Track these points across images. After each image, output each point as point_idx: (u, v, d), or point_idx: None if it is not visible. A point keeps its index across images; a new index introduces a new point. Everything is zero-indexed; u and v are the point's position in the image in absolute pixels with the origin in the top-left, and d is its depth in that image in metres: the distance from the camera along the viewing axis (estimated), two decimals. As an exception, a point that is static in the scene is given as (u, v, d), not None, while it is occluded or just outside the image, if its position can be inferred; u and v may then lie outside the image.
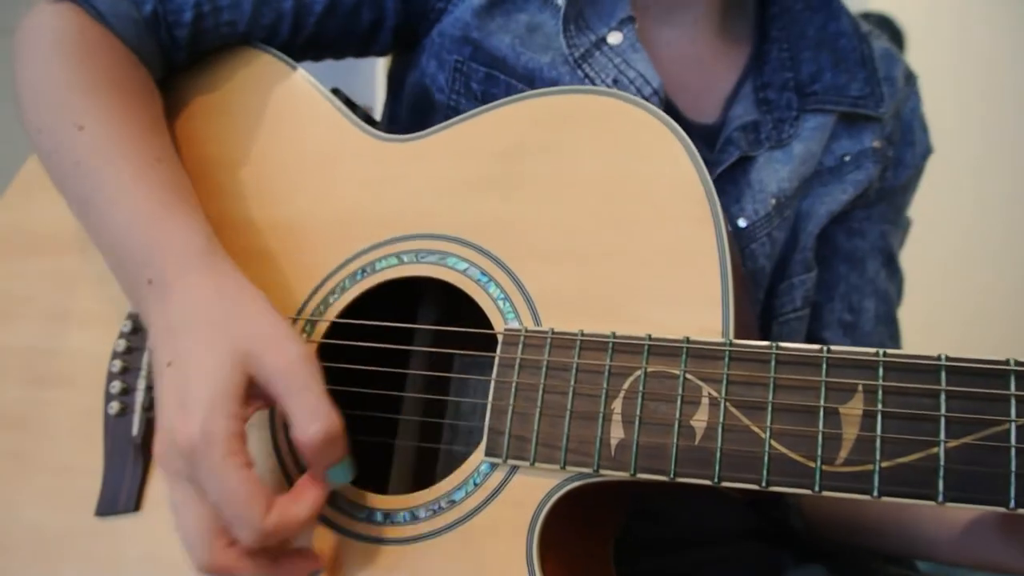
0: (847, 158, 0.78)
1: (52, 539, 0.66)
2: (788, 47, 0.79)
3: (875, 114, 0.78)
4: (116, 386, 0.67)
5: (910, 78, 0.84)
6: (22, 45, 0.68)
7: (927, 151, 0.85)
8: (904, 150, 0.82)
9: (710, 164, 0.74)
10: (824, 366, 0.49)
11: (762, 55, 0.79)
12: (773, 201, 0.74)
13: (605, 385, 0.53)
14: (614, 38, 0.73)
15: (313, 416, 0.52)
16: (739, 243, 0.74)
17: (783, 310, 0.77)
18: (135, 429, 0.65)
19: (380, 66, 0.85)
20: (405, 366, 0.67)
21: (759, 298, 0.77)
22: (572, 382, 0.54)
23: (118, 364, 0.67)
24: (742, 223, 0.74)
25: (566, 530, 0.56)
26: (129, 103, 0.66)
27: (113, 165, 0.62)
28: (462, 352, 0.63)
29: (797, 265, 0.78)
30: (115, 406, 0.66)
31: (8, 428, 0.70)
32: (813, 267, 0.79)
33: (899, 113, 0.81)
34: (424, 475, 0.67)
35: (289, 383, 0.53)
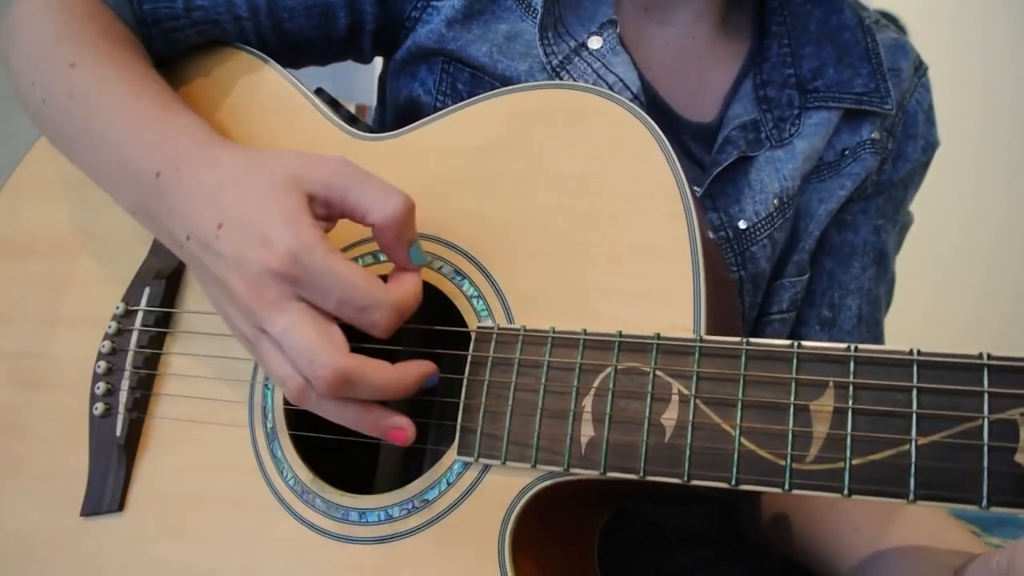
0: (846, 152, 0.76)
1: (38, 540, 0.66)
2: (789, 42, 0.76)
3: (880, 110, 0.76)
4: (101, 387, 0.67)
5: (919, 68, 0.81)
6: (12, 21, 0.71)
7: (932, 145, 0.82)
8: (905, 143, 0.80)
9: (708, 164, 0.73)
10: (795, 362, 0.48)
11: (762, 51, 0.77)
12: (775, 201, 0.73)
13: (576, 382, 0.52)
14: (594, 43, 0.71)
15: (387, 195, 0.53)
16: (740, 245, 0.72)
17: (769, 310, 0.75)
18: (119, 430, 0.66)
19: (379, 68, 0.85)
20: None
21: (757, 301, 0.76)
22: (543, 380, 0.53)
23: (103, 365, 0.68)
24: (742, 225, 0.72)
25: (541, 529, 0.55)
26: (117, 47, 0.67)
27: (108, 86, 0.63)
28: (439, 351, 0.63)
29: (792, 266, 0.76)
30: (100, 407, 0.67)
31: (-1, 431, 0.71)
32: (807, 271, 0.77)
33: (903, 104, 0.79)
34: (412, 476, 0.67)
35: (348, 180, 0.54)
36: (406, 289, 0.53)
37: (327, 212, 0.55)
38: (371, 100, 0.92)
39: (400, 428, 0.54)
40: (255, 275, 0.51)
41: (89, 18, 0.69)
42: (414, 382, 0.54)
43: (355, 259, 0.63)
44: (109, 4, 0.71)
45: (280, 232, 0.51)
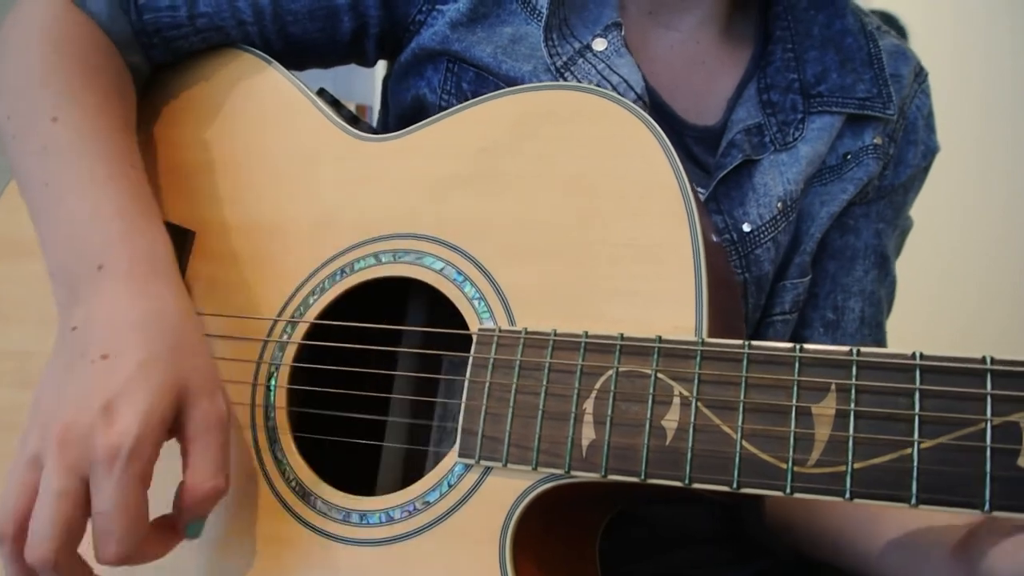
0: (848, 156, 0.77)
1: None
2: (792, 47, 0.77)
3: (882, 115, 0.76)
4: (102, 388, 0.67)
5: (920, 75, 0.81)
6: (3, 35, 0.70)
7: (931, 151, 0.82)
8: (906, 148, 0.80)
9: (713, 168, 0.73)
10: (797, 365, 0.48)
11: (766, 55, 0.77)
12: (779, 204, 0.73)
13: (577, 385, 0.52)
14: (599, 44, 0.72)
15: (218, 471, 0.54)
16: (744, 248, 0.72)
17: (771, 312, 0.75)
18: (120, 430, 0.65)
19: (379, 69, 0.85)
20: (391, 367, 0.66)
21: (760, 303, 0.76)
22: (544, 382, 0.53)
23: (104, 366, 0.68)
24: (747, 227, 0.72)
25: (542, 532, 0.55)
26: (104, 100, 0.66)
27: (85, 160, 0.62)
28: (441, 352, 0.63)
29: (794, 268, 0.76)
30: (101, 407, 0.67)
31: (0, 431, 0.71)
32: (809, 273, 0.77)
33: (904, 110, 0.79)
34: (413, 479, 0.67)
35: (210, 435, 0.54)
36: (154, 548, 0.54)
37: (173, 427, 0.55)
38: (371, 100, 0.92)
39: None
40: (80, 429, 0.51)
41: (78, 58, 0.67)
42: None
43: (356, 260, 0.63)
44: (103, 22, 0.70)
45: (129, 423, 0.51)
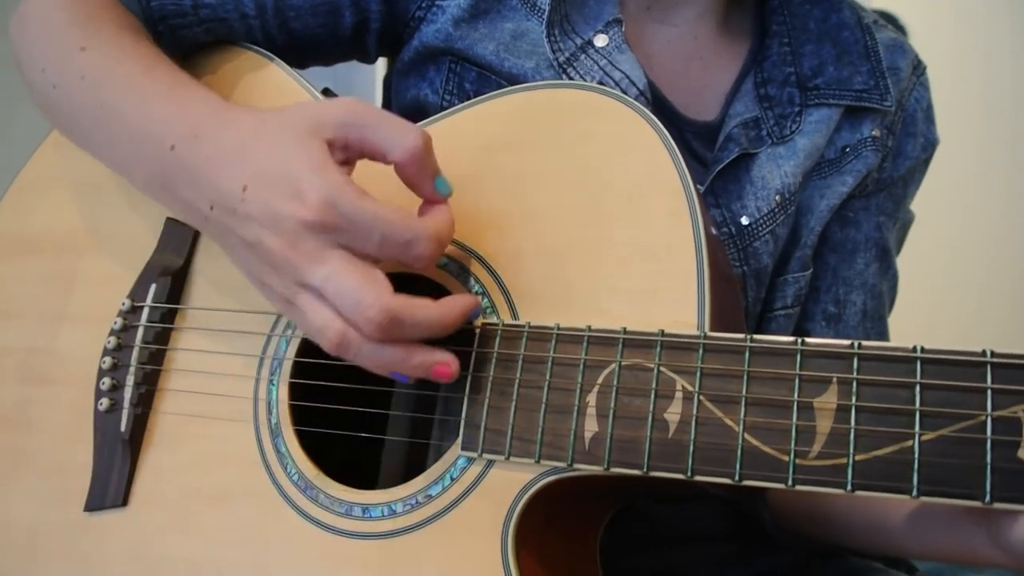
0: (847, 149, 0.77)
1: (42, 534, 0.67)
2: (789, 41, 0.77)
3: (880, 107, 0.76)
4: (106, 383, 0.67)
5: (918, 68, 0.82)
6: (22, 15, 0.71)
7: (931, 143, 0.83)
8: (905, 141, 0.80)
9: (711, 162, 0.73)
10: (798, 358, 0.48)
11: (763, 50, 0.78)
12: (777, 197, 0.73)
13: (580, 379, 0.53)
14: (600, 40, 0.72)
15: (404, 131, 0.53)
16: (742, 241, 0.73)
17: (773, 306, 0.76)
18: (123, 425, 0.66)
19: (380, 68, 0.86)
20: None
21: (760, 296, 0.76)
22: (547, 376, 0.53)
23: (108, 361, 0.68)
24: (745, 221, 0.73)
25: (544, 525, 0.55)
26: (128, 33, 0.68)
27: (120, 65, 0.64)
28: (443, 347, 0.63)
29: (795, 262, 0.77)
30: (104, 402, 0.67)
31: (5, 427, 0.71)
32: (810, 266, 0.78)
33: (902, 102, 0.80)
34: (416, 472, 0.67)
35: (365, 120, 0.54)
36: (440, 220, 0.54)
37: (346, 156, 0.55)
38: (371, 99, 0.92)
39: (444, 363, 0.53)
40: (291, 229, 0.51)
41: (101, 7, 0.69)
42: (460, 317, 0.53)
43: None
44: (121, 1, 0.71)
45: (309, 182, 0.51)
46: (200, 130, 0.58)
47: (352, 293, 0.50)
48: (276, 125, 0.54)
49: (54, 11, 0.69)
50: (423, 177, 0.54)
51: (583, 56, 0.71)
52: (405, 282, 0.62)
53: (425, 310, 0.52)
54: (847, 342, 0.47)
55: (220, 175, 0.55)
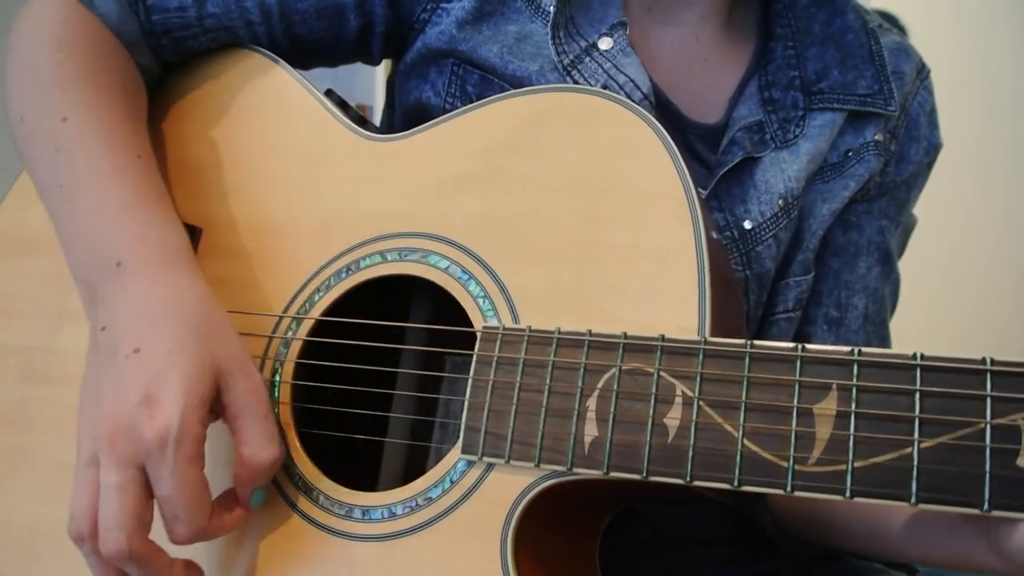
0: (850, 153, 0.77)
1: (44, 533, 0.67)
2: (793, 44, 0.77)
3: (883, 112, 0.76)
4: (107, 382, 0.67)
5: (922, 71, 0.82)
6: (14, 38, 0.70)
7: (934, 147, 0.82)
8: (908, 145, 0.80)
9: (714, 165, 0.73)
10: (798, 364, 0.48)
11: (767, 52, 0.78)
12: (780, 202, 0.73)
13: (580, 383, 0.53)
14: (605, 43, 0.72)
15: (270, 441, 0.56)
16: (745, 245, 0.73)
17: (774, 309, 0.76)
18: (124, 425, 0.66)
19: (381, 69, 0.86)
20: (394, 364, 0.67)
21: (762, 300, 0.76)
22: (548, 380, 0.54)
23: (109, 361, 0.68)
24: (748, 225, 0.73)
25: (543, 529, 0.56)
26: (112, 98, 0.67)
27: (95, 156, 0.63)
28: (445, 350, 0.63)
29: (797, 266, 0.77)
30: (105, 402, 0.67)
31: (5, 426, 0.71)
32: (811, 270, 0.77)
33: (906, 106, 0.79)
34: (416, 475, 0.67)
35: (254, 408, 0.56)
36: (224, 521, 0.56)
37: (217, 412, 0.57)
38: (371, 100, 0.92)
39: None
40: (125, 423, 0.53)
41: (87, 58, 0.68)
42: None
43: (362, 258, 0.63)
44: (112, 23, 0.70)
45: (171, 407, 0.53)
46: (140, 268, 0.59)
47: (114, 517, 0.52)
48: (202, 329, 0.57)
49: (42, 58, 0.68)
50: (249, 484, 0.57)
51: (587, 59, 0.71)
52: (405, 282, 0.63)
53: (156, 570, 0.54)
54: (847, 349, 0.47)
55: (127, 321, 0.57)
